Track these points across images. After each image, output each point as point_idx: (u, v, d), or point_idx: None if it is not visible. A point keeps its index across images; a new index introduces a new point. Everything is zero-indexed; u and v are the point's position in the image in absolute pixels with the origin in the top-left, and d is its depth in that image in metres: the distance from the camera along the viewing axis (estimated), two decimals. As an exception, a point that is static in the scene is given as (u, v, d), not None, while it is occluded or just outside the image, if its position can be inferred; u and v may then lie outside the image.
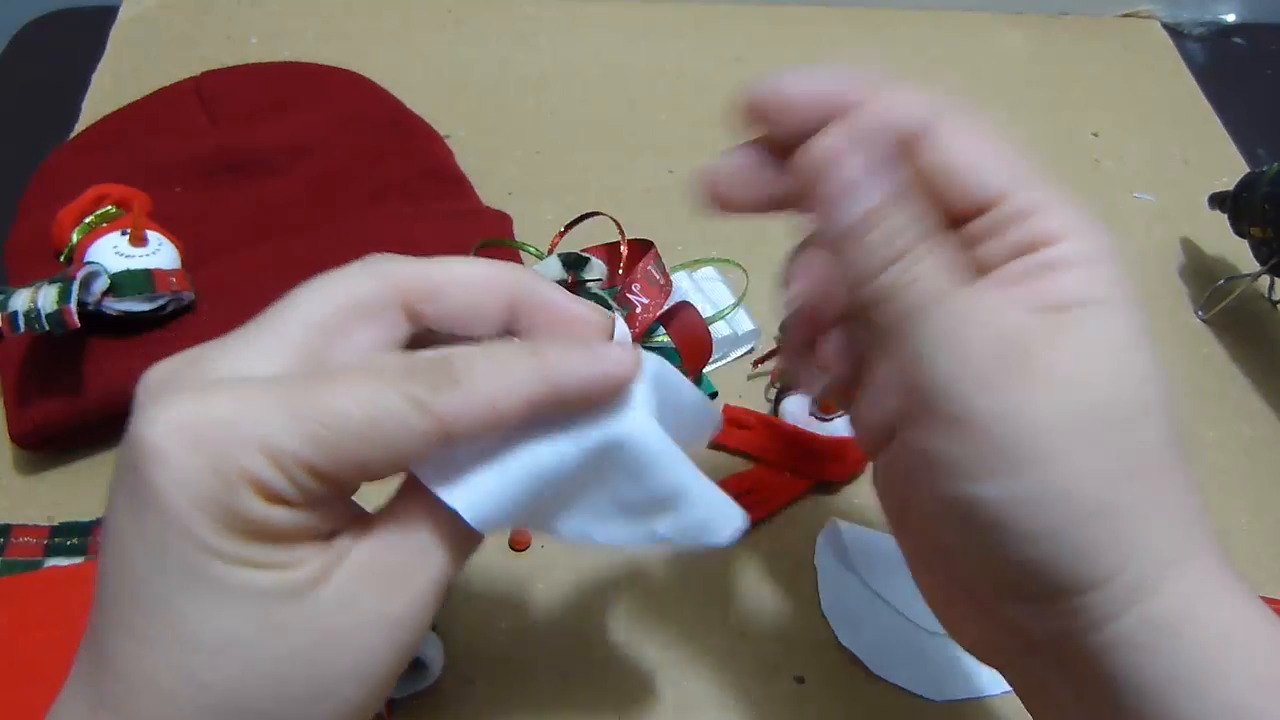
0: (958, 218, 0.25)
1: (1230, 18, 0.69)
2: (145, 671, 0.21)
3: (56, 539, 0.39)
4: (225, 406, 0.21)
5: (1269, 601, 0.40)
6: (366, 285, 0.24)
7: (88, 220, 0.44)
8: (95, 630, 0.22)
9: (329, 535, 0.23)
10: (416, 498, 0.23)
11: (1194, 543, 0.23)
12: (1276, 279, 0.50)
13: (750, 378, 0.47)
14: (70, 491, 0.41)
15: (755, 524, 0.41)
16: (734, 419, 0.44)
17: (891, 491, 0.27)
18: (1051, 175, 0.25)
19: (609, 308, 0.42)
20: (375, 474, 0.22)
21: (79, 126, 0.56)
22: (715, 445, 0.43)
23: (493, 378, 0.22)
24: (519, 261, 0.48)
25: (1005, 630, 0.25)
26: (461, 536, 0.24)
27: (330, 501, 0.22)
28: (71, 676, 0.23)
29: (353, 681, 0.22)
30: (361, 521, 0.23)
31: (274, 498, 0.21)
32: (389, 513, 0.24)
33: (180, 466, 0.20)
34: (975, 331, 0.23)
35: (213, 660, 0.21)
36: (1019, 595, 0.23)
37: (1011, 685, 0.27)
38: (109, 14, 0.64)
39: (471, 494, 0.23)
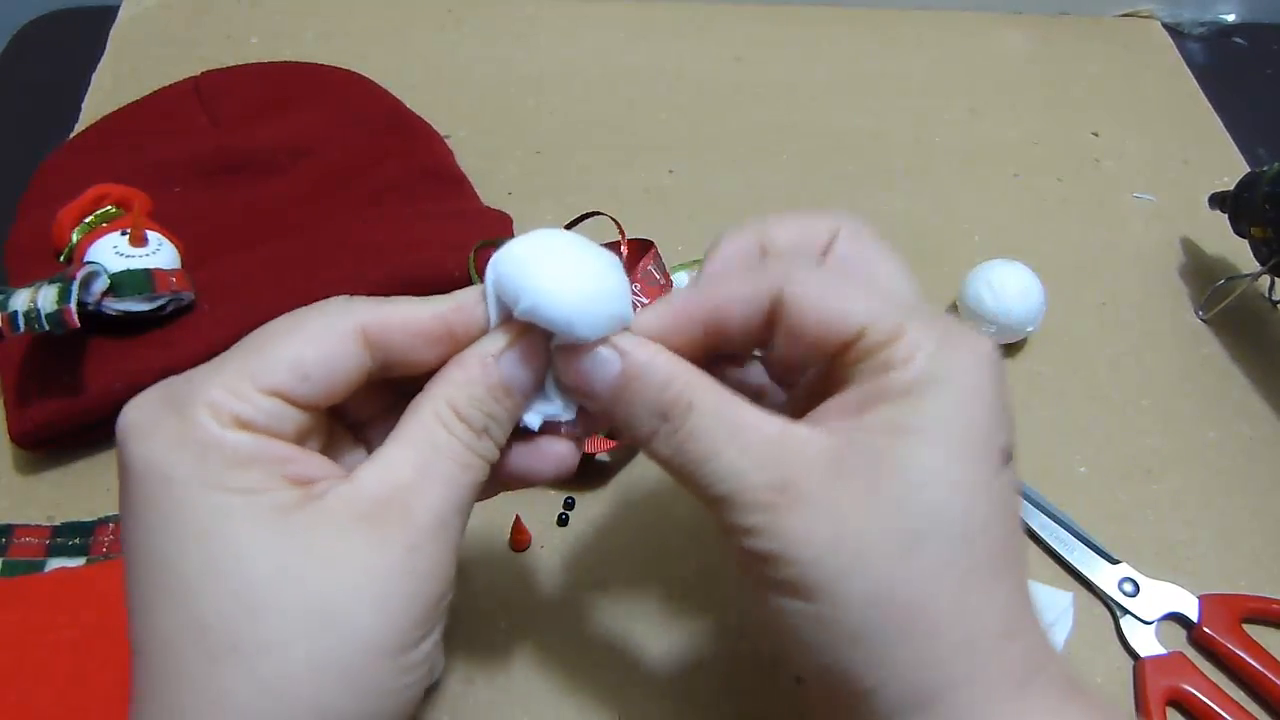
0: (837, 356, 0.26)
1: (1230, 17, 0.69)
2: (153, 635, 0.22)
3: (58, 539, 0.39)
4: (184, 378, 0.24)
5: (1269, 602, 0.40)
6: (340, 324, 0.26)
7: (88, 220, 0.44)
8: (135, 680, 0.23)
9: (309, 481, 0.24)
10: (402, 439, 0.25)
11: (976, 665, 0.24)
12: (1276, 279, 0.50)
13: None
14: (70, 491, 0.41)
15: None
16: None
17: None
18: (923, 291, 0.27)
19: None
20: (321, 386, 0.24)
21: (79, 126, 0.56)
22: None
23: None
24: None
25: None
26: (458, 466, 0.25)
27: (297, 429, 0.24)
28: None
29: (367, 608, 0.23)
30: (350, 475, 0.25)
31: (239, 421, 0.23)
32: (374, 455, 0.25)
33: (149, 426, 0.23)
34: (754, 455, 0.24)
35: (197, 594, 0.22)
36: (823, 696, 0.25)
37: None
38: (109, 14, 0.64)
39: None
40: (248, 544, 0.22)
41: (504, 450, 0.27)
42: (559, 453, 0.28)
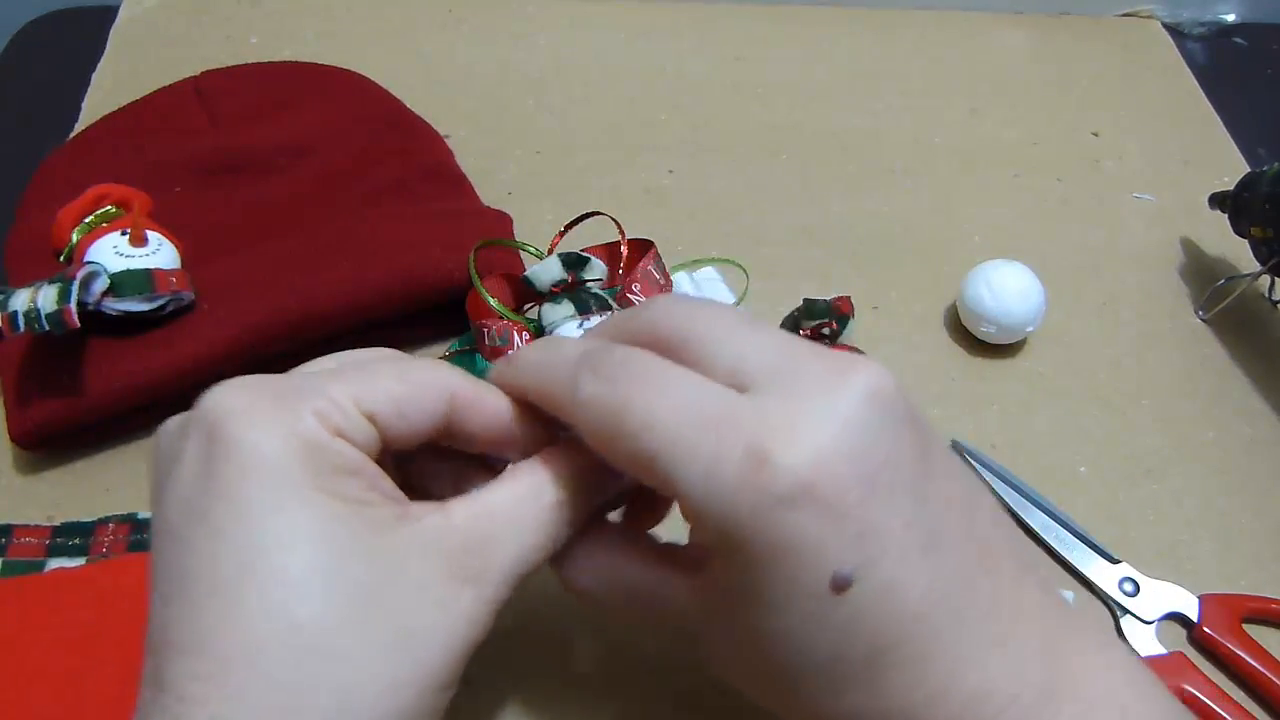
0: None
1: (1231, 17, 0.69)
2: (235, 628, 0.21)
3: (58, 539, 0.39)
4: (285, 378, 0.25)
5: (1269, 602, 0.40)
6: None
7: (88, 220, 0.44)
8: (165, 627, 0.22)
9: (400, 500, 0.25)
10: (500, 486, 0.26)
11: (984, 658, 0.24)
12: (1276, 279, 0.50)
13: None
14: (70, 491, 0.41)
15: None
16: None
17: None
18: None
19: (609, 308, 0.42)
20: (410, 431, 0.26)
21: (79, 126, 0.55)
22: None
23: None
24: (519, 261, 0.48)
25: None
26: (544, 527, 0.26)
27: (390, 463, 0.26)
28: (142, 700, 0.23)
29: (439, 645, 0.23)
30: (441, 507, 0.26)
31: (340, 432, 0.24)
32: (473, 493, 0.26)
33: (258, 414, 0.23)
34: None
35: (299, 592, 0.22)
36: None
37: None
38: (109, 14, 0.64)
39: None
40: (349, 552, 0.22)
41: None
42: None
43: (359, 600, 0.22)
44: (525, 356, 0.28)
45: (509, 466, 0.28)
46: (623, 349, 0.25)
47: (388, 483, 0.25)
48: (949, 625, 0.23)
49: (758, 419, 0.22)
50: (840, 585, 0.22)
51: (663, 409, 0.23)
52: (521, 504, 0.26)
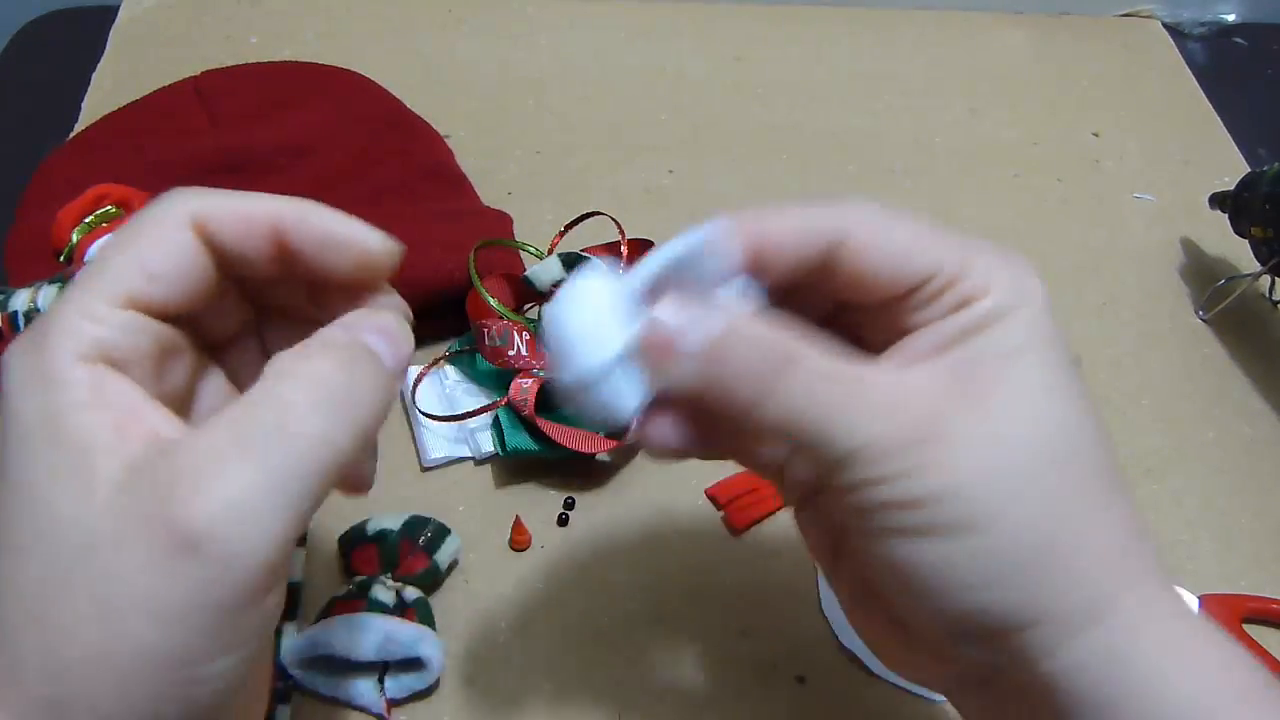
0: (897, 300, 0.26)
1: (1231, 17, 0.69)
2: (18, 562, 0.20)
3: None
4: (49, 315, 0.22)
5: (1269, 602, 0.40)
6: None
7: (88, 220, 0.44)
8: None
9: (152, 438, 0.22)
10: (233, 417, 0.21)
11: (1132, 571, 0.24)
12: (1276, 279, 0.50)
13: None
14: (70, 491, 0.41)
15: (755, 523, 0.41)
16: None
17: (820, 541, 0.27)
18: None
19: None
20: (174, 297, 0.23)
21: (79, 126, 0.55)
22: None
23: None
24: (519, 261, 0.48)
25: (953, 666, 0.25)
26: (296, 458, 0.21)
27: (159, 347, 0.23)
28: None
29: (145, 618, 0.20)
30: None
31: (97, 348, 0.21)
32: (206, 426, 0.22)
33: (14, 359, 0.21)
34: (877, 406, 0.23)
35: (23, 551, 0.20)
36: (965, 637, 0.24)
37: (962, 713, 0.27)
38: (109, 14, 0.64)
39: None
40: (67, 511, 0.20)
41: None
42: None
43: (66, 572, 0.20)
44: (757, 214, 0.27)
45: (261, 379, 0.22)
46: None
47: (154, 411, 0.22)
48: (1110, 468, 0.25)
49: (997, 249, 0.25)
50: (1076, 359, 0.25)
51: (929, 226, 0.25)
52: (254, 430, 0.21)
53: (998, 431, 0.23)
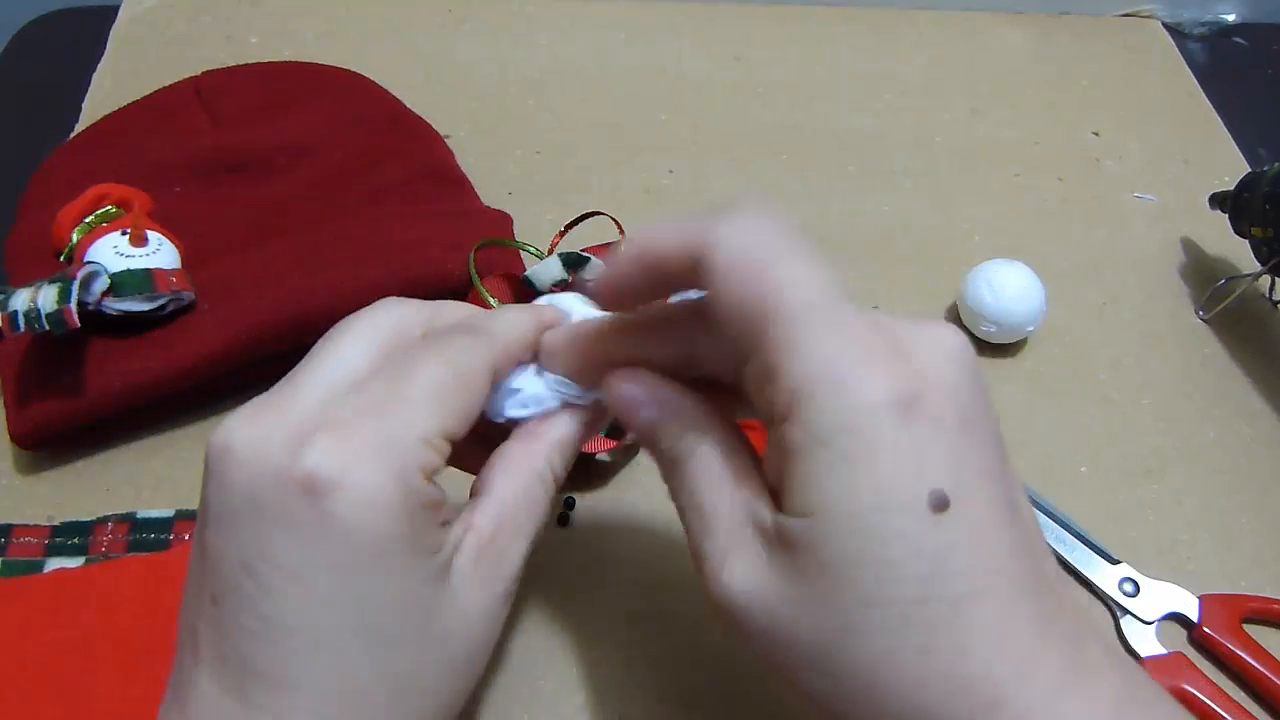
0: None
1: (1231, 17, 0.69)
2: (335, 674, 0.24)
3: (58, 539, 0.39)
4: (380, 425, 0.24)
5: (1269, 602, 0.40)
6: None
7: (88, 220, 0.44)
8: (246, 655, 0.24)
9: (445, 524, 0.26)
10: (505, 479, 0.28)
11: (975, 705, 0.22)
12: (1276, 279, 0.50)
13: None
14: (70, 491, 0.41)
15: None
16: (742, 423, 0.43)
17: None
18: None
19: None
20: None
21: (79, 126, 0.56)
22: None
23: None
24: (519, 261, 0.48)
25: None
26: (541, 515, 0.28)
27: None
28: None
29: (483, 650, 0.27)
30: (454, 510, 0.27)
31: (434, 473, 0.25)
32: (476, 495, 0.28)
33: (360, 474, 0.23)
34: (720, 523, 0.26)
35: (393, 644, 0.24)
36: None
37: None
38: (109, 14, 0.64)
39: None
40: (431, 607, 0.25)
41: None
42: None
43: (436, 641, 0.25)
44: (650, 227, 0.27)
45: (500, 450, 0.29)
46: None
47: (439, 495, 0.26)
48: (1018, 596, 0.22)
49: (888, 321, 0.24)
50: (938, 504, 0.21)
51: (795, 277, 0.24)
52: (529, 492, 0.28)
53: (776, 602, 0.24)
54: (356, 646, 0.24)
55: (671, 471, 0.28)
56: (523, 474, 0.28)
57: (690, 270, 0.24)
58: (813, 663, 0.23)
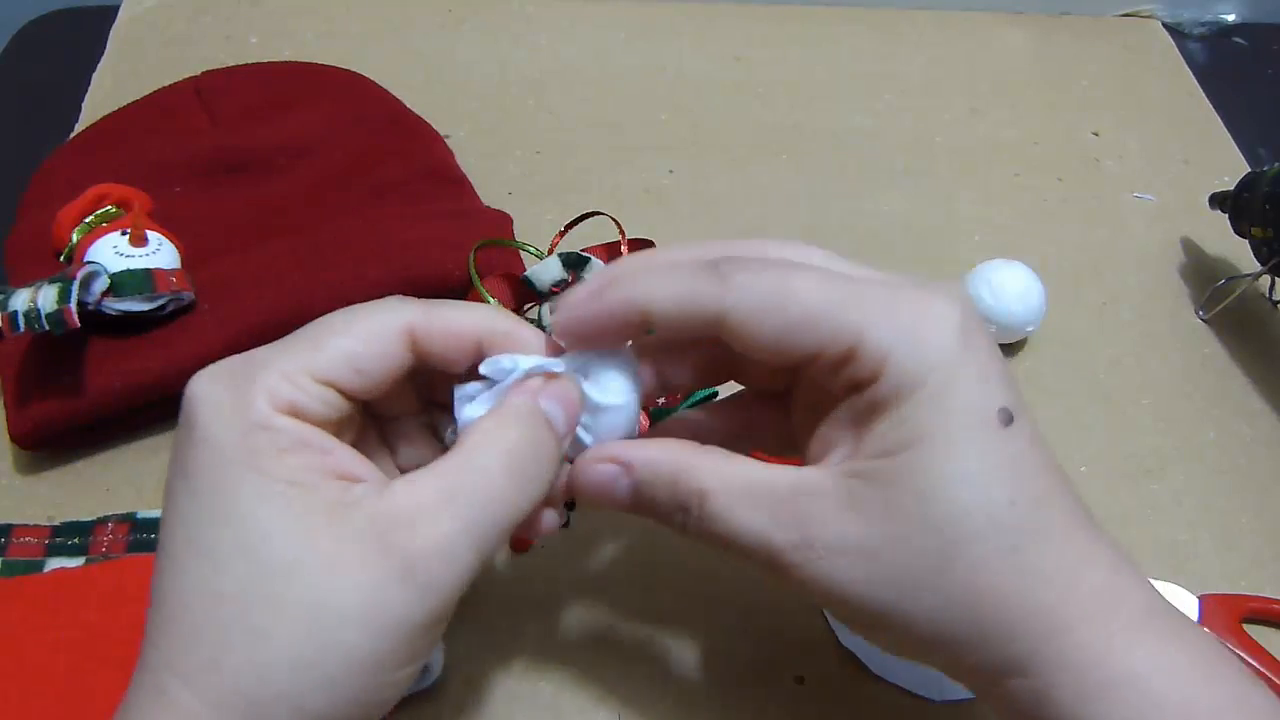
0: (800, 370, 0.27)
1: (1231, 17, 0.69)
2: (176, 593, 0.24)
3: (58, 539, 0.39)
4: (247, 357, 0.25)
5: (1269, 602, 0.40)
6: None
7: (88, 220, 0.44)
8: (154, 625, 0.24)
9: (349, 476, 0.25)
10: (442, 463, 0.25)
11: (1054, 622, 0.24)
12: (1276, 279, 0.50)
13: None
14: (70, 491, 0.41)
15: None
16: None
17: None
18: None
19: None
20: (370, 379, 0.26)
21: (79, 126, 0.56)
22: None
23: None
24: (519, 261, 0.48)
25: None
26: (484, 499, 0.25)
27: (339, 420, 0.26)
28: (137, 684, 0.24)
29: (355, 624, 0.23)
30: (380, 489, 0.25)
31: (293, 408, 0.25)
32: (415, 472, 0.25)
33: (213, 399, 0.24)
34: (771, 514, 0.26)
35: (223, 566, 0.23)
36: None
37: None
38: (109, 14, 0.64)
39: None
40: (275, 532, 0.23)
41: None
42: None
43: (273, 582, 0.23)
44: (634, 273, 0.26)
45: (458, 435, 0.27)
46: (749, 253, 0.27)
47: (344, 454, 0.26)
48: (1069, 494, 0.26)
49: (909, 284, 0.26)
50: (1006, 419, 0.24)
51: (818, 283, 0.25)
52: (460, 488, 0.25)
53: (870, 544, 0.24)
54: (191, 562, 0.24)
55: (695, 513, 0.27)
56: (460, 455, 0.25)
57: (700, 327, 0.26)
58: (917, 592, 0.24)
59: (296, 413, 0.25)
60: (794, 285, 0.25)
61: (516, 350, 0.27)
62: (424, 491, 0.24)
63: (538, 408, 0.26)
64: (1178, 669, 0.24)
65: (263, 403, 0.24)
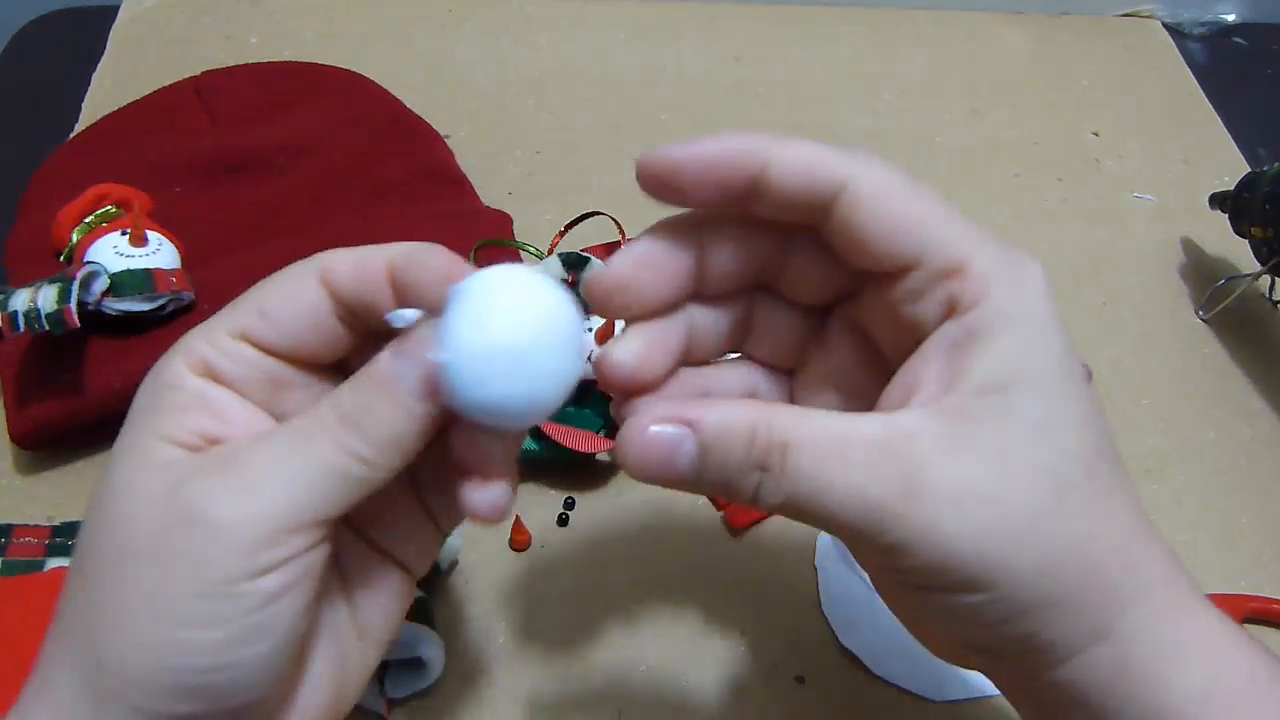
0: (891, 280, 0.25)
1: (1231, 17, 0.69)
2: (81, 550, 0.23)
3: (58, 539, 0.39)
4: (198, 329, 0.25)
5: (1269, 602, 0.40)
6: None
7: (88, 220, 0.44)
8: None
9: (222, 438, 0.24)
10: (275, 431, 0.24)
11: (1139, 583, 0.24)
12: (1276, 279, 0.50)
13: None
14: (70, 491, 0.41)
15: (755, 523, 0.41)
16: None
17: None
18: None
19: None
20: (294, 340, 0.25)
21: (79, 126, 0.56)
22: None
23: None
24: (518, 261, 0.48)
25: (968, 657, 0.27)
26: (318, 451, 0.23)
27: (269, 379, 0.25)
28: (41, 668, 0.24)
29: (205, 559, 0.22)
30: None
31: (207, 367, 0.24)
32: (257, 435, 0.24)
33: (154, 369, 0.24)
34: (862, 464, 0.22)
35: (117, 520, 0.23)
36: (975, 650, 0.26)
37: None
38: (109, 14, 0.64)
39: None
40: (126, 485, 0.23)
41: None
42: (488, 499, 0.25)
43: (119, 529, 0.22)
44: (753, 132, 0.24)
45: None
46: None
47: (244, 415, 0.24)
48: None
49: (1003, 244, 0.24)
50: (1088, 374, 0.25)
51: (941, 205, 0.24)
52: (299, 420, 0.23)
53: (985, 488, 0.22)
54: (92, 519, 0.23)
55: (777, 471, 0.23)
56: (311, 407, 0.24)
57: (812, 201, 0.24)
58: (1032, 539, 0.23)
59: (211, 373, 0.24)
60: (920, 188, 0.25)
61: (423, 273, 0.24)
62: (251, 441, 0.23)
63: (380, 365, 0.24)
64: (1236, 635, 0.25)
65: (178, 363, 0.24)
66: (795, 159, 0.24)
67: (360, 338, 0.26)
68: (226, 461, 0.23)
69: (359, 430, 0.23)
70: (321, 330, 0.25)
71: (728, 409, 0.24)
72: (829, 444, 0.23)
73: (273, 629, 0.22)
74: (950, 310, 0.24)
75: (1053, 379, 0.23)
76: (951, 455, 0.22)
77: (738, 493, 0.24)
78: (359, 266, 0.25)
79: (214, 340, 0.24)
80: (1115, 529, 0.24)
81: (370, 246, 0.25)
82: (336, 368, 0.26)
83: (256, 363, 0.25)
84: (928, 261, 0.24)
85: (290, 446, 0.23)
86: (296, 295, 0.25)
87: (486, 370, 0.23)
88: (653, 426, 0.24)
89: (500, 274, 0.24)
